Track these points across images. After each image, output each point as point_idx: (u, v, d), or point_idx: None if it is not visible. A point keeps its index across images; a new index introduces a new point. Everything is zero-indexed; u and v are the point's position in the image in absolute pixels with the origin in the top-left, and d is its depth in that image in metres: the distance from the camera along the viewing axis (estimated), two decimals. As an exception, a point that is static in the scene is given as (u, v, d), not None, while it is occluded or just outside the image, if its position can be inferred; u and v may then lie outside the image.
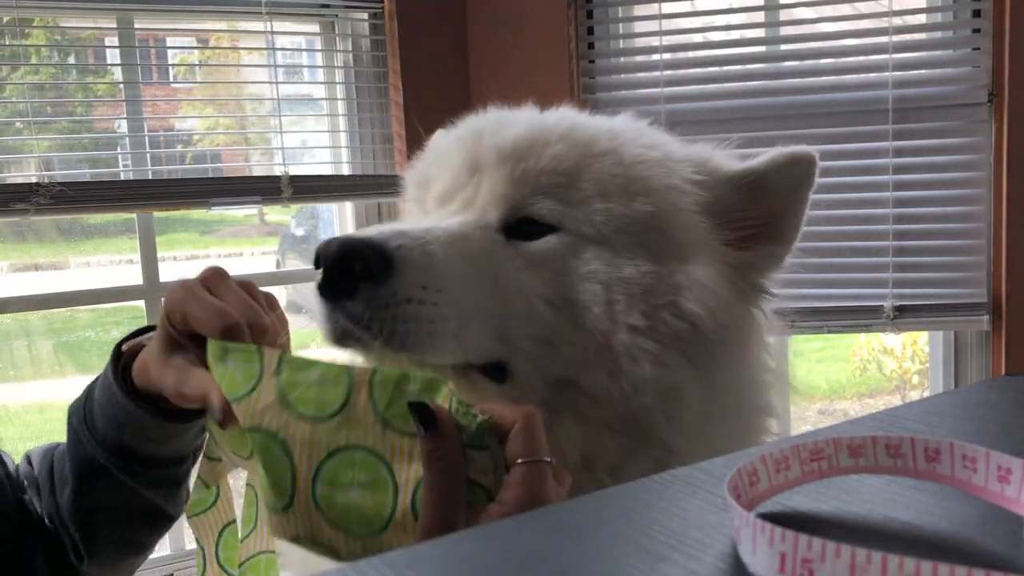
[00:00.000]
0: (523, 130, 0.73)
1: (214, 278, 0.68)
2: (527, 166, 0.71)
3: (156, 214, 2.23)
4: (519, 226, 0.70)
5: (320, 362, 0.57)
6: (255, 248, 4.00)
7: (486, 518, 0.54)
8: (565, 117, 0.77)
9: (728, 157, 0.77)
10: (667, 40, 2.32)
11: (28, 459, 0.87)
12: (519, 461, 0.55)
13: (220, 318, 0.63)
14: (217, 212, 2.55)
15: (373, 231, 0.65)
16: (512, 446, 0.56)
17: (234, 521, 0.71)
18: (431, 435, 0.55)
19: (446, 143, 0.78)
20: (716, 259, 0.71)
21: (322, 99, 2.44)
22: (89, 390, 0.80)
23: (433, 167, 0.78)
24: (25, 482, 0.84)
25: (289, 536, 0.55)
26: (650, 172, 0.71)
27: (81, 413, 0.79)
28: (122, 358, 0.75)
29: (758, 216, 0.73)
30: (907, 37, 2.23)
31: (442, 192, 0.74)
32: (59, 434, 0.83)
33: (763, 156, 0.74)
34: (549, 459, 0.56)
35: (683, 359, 0.68)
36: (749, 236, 0.73)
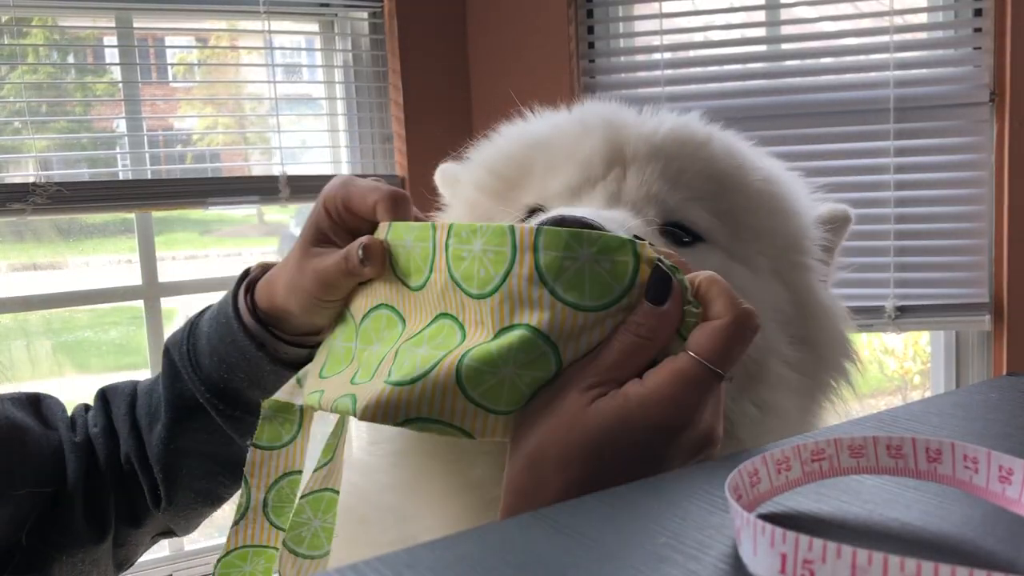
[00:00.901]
0: (671, 126, 0.66)
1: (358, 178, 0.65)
2: (682, 165, 0.64)
3: (155, 214, 2.23)
4: (664, 231, 0.63)
5: (484, 227, 0.49)
6: (254, 248, 4.00)
7: (614, 403, 0.46)
8: (691, 120, 0.69)
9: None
10: (667, 40, 2.32)
11: (103, 396, 0.82)
12: (691, 352, 0.47)
13: (383, 190, 0.59)
14: (216, 212, 2.55)
15: (608, 222, 0.53)
16: (702, 336, 0.47)
17: (298, 473, 0.65)
18: (658, 309, 0.47)
19: (562, 133, 0.67)
20: (830, 291, 0.73)
21: (321, 99, 2.44)
22: (192, 325, 0.76)
23: (539, 156, 0.67)
24: (91, 422, 0.80)
25: (402, 418, 0.48)
26: (791, 192, 0.69)
27: (183, 348, 0.74)
28: (240, 297, 0.71)
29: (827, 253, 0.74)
30: (908, 36, 2.23)
31: (568, 185, 0.64)
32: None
33: (840, 207, 0.76)
34: (728, 376, 0.48)
35: (808, 377, 0.66)
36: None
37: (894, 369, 4.01)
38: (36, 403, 0.79)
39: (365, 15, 2.40)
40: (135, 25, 2.22)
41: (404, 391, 0.49)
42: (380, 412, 0.49)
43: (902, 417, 0.51)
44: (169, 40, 2.67)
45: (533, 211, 0.65)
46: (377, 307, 0.58)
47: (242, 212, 3.50)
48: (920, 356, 3.80)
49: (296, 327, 0.68)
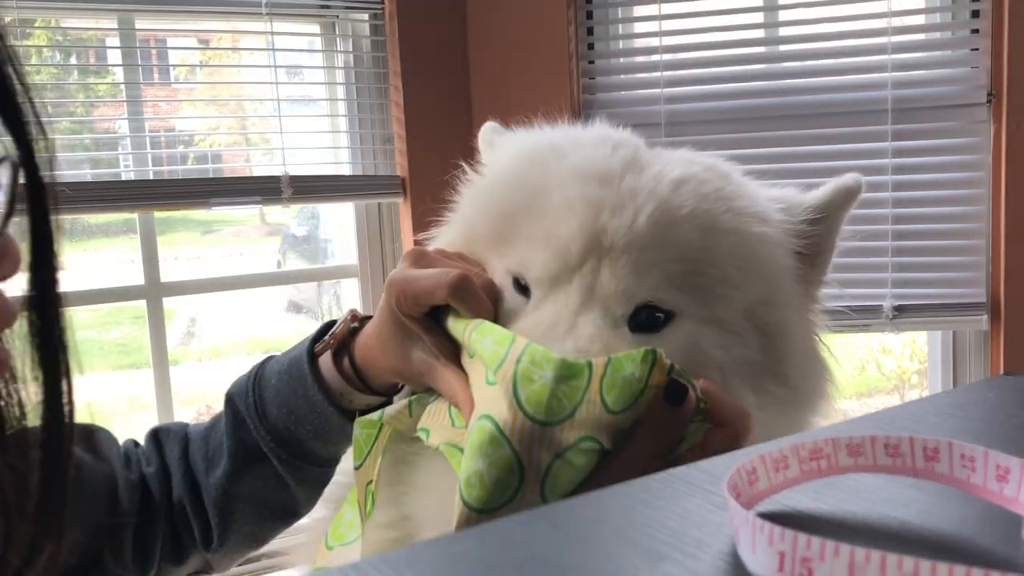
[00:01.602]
0: (649, 211, 0.67)
1: (421, 256, 0.69)
2: (656, 256, 0.66)
3: (157, 214, 2.23)
4: (636, 312, 0.67)
5: (560, 359, 0.57)
6: (255, 248, 4.00)
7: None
8: (683, 182, 0.69)
9: (797, 193, 0.77)
10: (667, 40, 2.32)
11: (155, 437, 0.85)
12: (702, 452, 0.57)
13: (447, 282, 0.63)
14: (218, 212, 2.55)
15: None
16: (711, 441, 0.58)
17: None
18: (677, 410, 0.57)
19: (549, 198, 0.69)
20: (804, 316, 0.73)
21: (322, 99, 2.44)
22: (256, 375, 0.80)
23: (524, 221, 0.70)
24: (144, 460, 0.83)
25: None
26: (769, 254, 0.70)
27: (250, 399, 0.79)
28: (318, 353, 0.76)
29: (809, 244, 0.75)
30: (906, 38, 2.24)
31: (549, 271, 0.67)
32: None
33: (826, 191, 0.76)
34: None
35: (786, 415, 0.69)
36: (804, 264, 0.75)
37: (892, 368, 4.00)
38: (90, 435, 0.81)
39: (366, 16, 2.40)
40: (137, 26, 2.22)
41: (492, 515, 0.56)
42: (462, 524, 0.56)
43: (900, 416, 0.52)
44: (171, 41, 2.67)
45: (516, 278, 0.70)
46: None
47: (244, 212, 3.50)
48: (918, 356, 3.79)
49: (383, 380, 0.74)
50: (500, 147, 0.82)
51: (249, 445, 0.79)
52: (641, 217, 0.67)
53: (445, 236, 0.80)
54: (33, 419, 0.58)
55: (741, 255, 0.68)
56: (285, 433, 0.76)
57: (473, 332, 0.63)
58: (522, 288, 0.70)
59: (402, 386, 0.76)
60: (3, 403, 0.57)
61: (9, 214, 0.54)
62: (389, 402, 0.75)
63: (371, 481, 0.69)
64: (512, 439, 0.56)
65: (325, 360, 0.76)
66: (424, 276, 0.66)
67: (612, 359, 0.57)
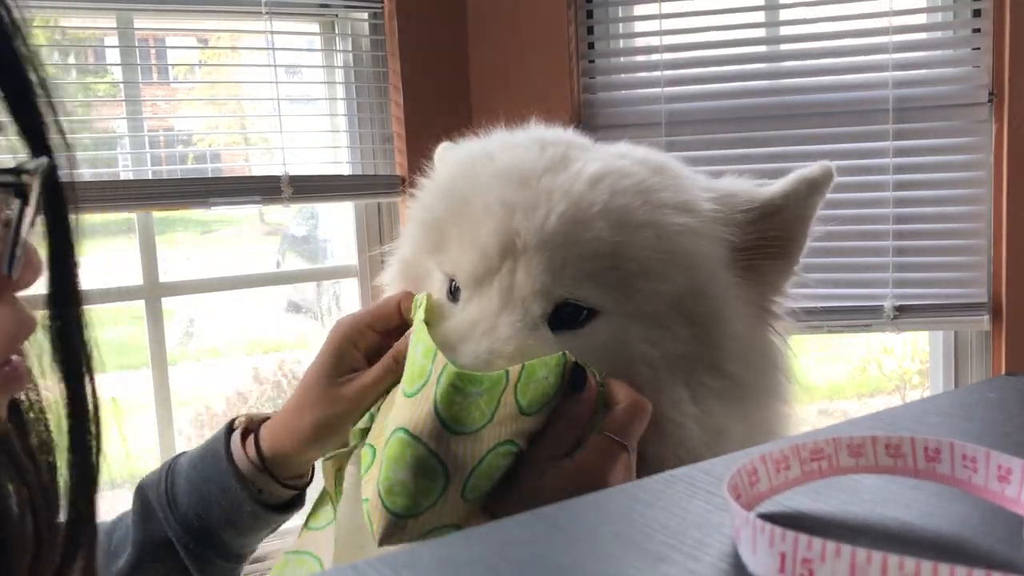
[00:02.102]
0: (560, 209, 0.68)
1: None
2: (567, 253, 0.67)
3: (156, 214, 2.23)
4: (557, 311, 0.68)
5: (487, 377, 0.60)
6: (254, 248, 4.00)
7: (557, 473, 0.61)
8: (599, 179, 0.70)
9: (751, 185, 0.75)
10: (667, 40, 2.32)
11: None
12: (604, 432, 0.62)
13: (395, 295, 0.73)
14: (217, 212, 2.55)
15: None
16: (609, 419, 0.63)
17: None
18: (579, 395, 0.62)
19: (470, 204, 0.71)
20: (744, 307, 0.71)
21: (322, 99, 2.44)
22: (169, 467, 0.81)
23: (453, 227, 0.72)
24: None
25: (412, 537, 0.60)
26: (690, 244, 0.69)
27: (162, 487, 0.79)
28: (234, 443, 0.78)
29: (774, 236, 0.73)
30: (907, 37, 2.23)
31: (473, 273, 0.70)
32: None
33: (785, 184, 0.73)
34: (632, 449, 0.62)
35: (726, 406, 0.69)
36: (765, 257, 0.73)
37: (893, 369, 4.00)
38: None
39: (365, 16, 2.40)
40: (136, 25, 2.22)
41: (418, 519, 0.60)
42: (395, 538, 0.60)
43: (901, 417, 0.52)
44: (170, 40, 2.67)
45: (451, 282, 0.73)
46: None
47: (243, 212, 3.50)
48: (919, 356, 3.79)
49: (291, 470, 0.77)
50: (443, 160, 0.84)
51: (156, 536, 0.78)
52: (552, 216, 0.67)
53: (400, 251, 0.83)
54: (56, 423, 0.58)
55: (659, 247, 0.68)
56: (195, 521, 0.77)
57: (412, 334, 0.67)
58: (454, 292, 0.73)
59: (311, 479, 0.79)
60: (28, 410, 0.56)
61: (32, 222, 0.52)
62: (302, 495, 0.80)
63: (340, 468, 0.72)
64: (435, 448, 0.59)
65: (237, 447, 0.78)
66: (368, 310, 0.73)
67: (526, 366, 0.61)
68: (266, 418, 0.79)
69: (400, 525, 0.59)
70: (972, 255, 2.18)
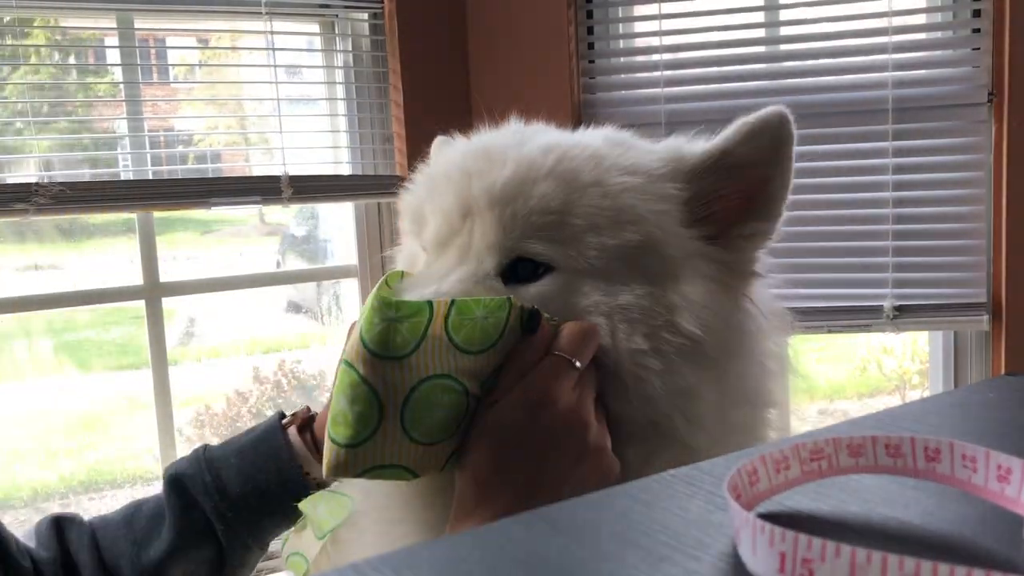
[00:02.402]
0: (510, 171, 0.72)
1: None
2: (516, 208, 0.70)
3: (156, 214, 2.23)
4: (513, 267, 0.71)
5: (407, 303, 0.62)
6: (255, 248, 4.00)
7: (505, 401, 0.63)
8: (552, 148, 0.74)
9: (698, 144, 0.76)
10: (667, 40, 2.32)
11: (56, 523, 0.87)
12: (552, 353, 0.64)
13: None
14: (217, 212, 2.55)
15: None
16: (557, 340, 0.65)
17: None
18: (531, 336, 0.65)
19: (438, 180, 0.77)
20: (705, 267, 0.71)
21: (322, 99, 2.44)
22: (206, 458, 0.86)
23: (427, 204, 0.77)
24: (40, 547, 0.85)
25: (357, 470, 0.61)
26: (635, 200, 0.71)
27: (206, 478, 0.84)
28: (287, 432, 0.85)
29: (738, 193, 0.72)
30: (907, 37, 2.23)
31: (437, 236, 0.74)
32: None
33: (726, 130, 0.73)
34: (578, 364, 0.64)
35: (691, 365, 0.69)
36: (733, 217, 0.73)
37: (893, 369, 4.01)
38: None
39: (365, 16, 2.40)
40: (136, 26, 2.22)
41: (359, 450, 0.61)
42: (341, 469, 0.61)
43: (901, 417, 0.52)
44: (170, 41, 2.67)
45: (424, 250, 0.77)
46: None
47: (243, 212, 3.50)
48: (919, 356, 3.80)
49: None
50: (437, 153, 0.88)
51: (197, 525, 0.84)
52: (502, 177, 0.72)
53: (401, 246, 0.88)
54: None
55: (604, 204, 0.70)
56: (244, 508, 0.82)
57: None
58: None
59: None
60: None
61: None
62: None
63: None
64: (364, 373, 0.60)
65: (295, 438, 0.85)
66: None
67: (456, 301, 0.63)
68: (314, 415, 0.87)
69: (344, 456, 0.61)
70: (972, 255, 2.18)
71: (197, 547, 0.84)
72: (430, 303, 0.62)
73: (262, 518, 0.84)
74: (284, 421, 0.89)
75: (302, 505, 0.79)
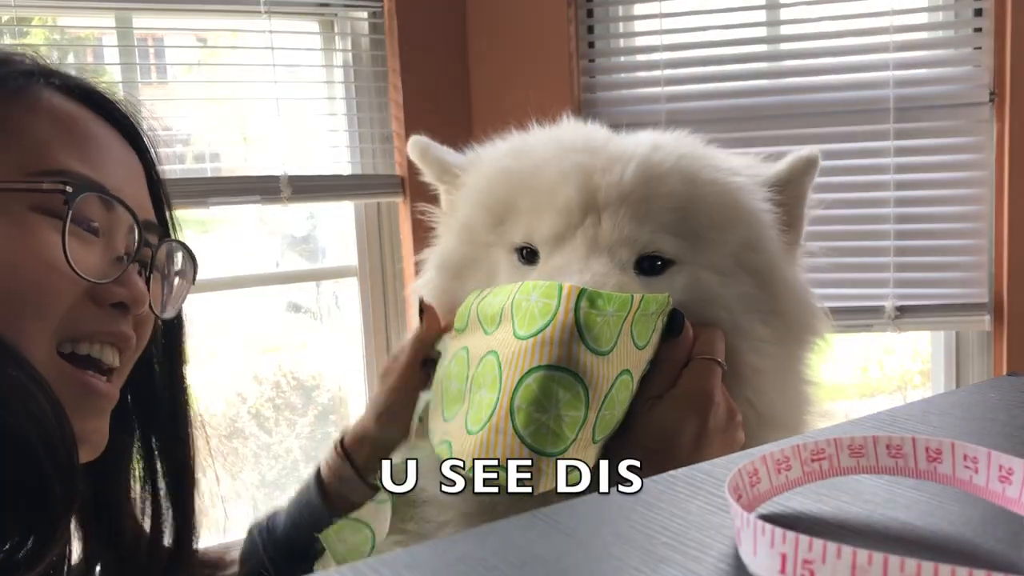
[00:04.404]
0: (635, 167, 0.75)
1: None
2: (649, 207, 0.73)
3: (155, 214, 2.22)
4: (639, 262, 0.74)
5: (617, 296, 0.63)
6: (254, 248, 4.00)
7: (666, 404, 0.67)
8: (661, 146, 0.78)
9: (760, 162, 0.83)
10: (667, 40, 2.32)
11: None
12: (699, 357, 0.69)
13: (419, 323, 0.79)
14: (215, 212, 2.55)
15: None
16: (698, 344, 0.69)
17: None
18: (676, 338, 0.69)
19: (539, 176, 0.77)
20: (790, 262, 0.80)
21: (321, 98, 2.44)
22: (269, 519, 0.90)
23: (522, 199, 0.77)
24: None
25: (554, 483, 0.59)
26: (745, 199, 0.77)
27: (263, 523, 0.89)
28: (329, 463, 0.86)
29: (782, 208, 0.80)
30: (908, 36, 2.23)
31: (554, 233, 0.75)
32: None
33: (787, 160, 0.82)
34: (722, 363, 0.69)
35: (786, 348, 0.77)
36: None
37: (894, 369, 4.00)
38: None
39: (365, 15, 2.40)
40: (135, 25, 2.22)
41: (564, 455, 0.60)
42: (552, 481, 0.59)
43: (902, 417, 0.51)
44: (169, 40, 2.66)
45: (522, 249, 0.78)
46: (486, 354, 0.66)
47: (243, 212, 3.50)
48: (920, 356, 3.79)
49: (372, 455, 0.82)
50: (480, 157, 0.89)
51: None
52: (628, 173, 0.74)
53: (444, 243, 0.87)
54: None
55: (723, 202, 0.75)
56: (286, 543, 0.84)
57: (477, 304, 0.69)
58: (527, 256, 0.77)
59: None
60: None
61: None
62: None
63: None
64: (572, 367, 0.59)
65: (330, 454, 0.85)
66: (395, 353, 0.81)
67: (644, 297, 0.64)
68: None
69: (553, 468, 0.59)
70: (973, 255, 2.18)
71: None
72: (632, 297, 0.63)
73: (302, 551, 0.83)
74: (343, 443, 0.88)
75: (323, 536, 0.78)
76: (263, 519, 0.88)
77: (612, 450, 0.66)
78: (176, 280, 0.74)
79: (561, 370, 0.58)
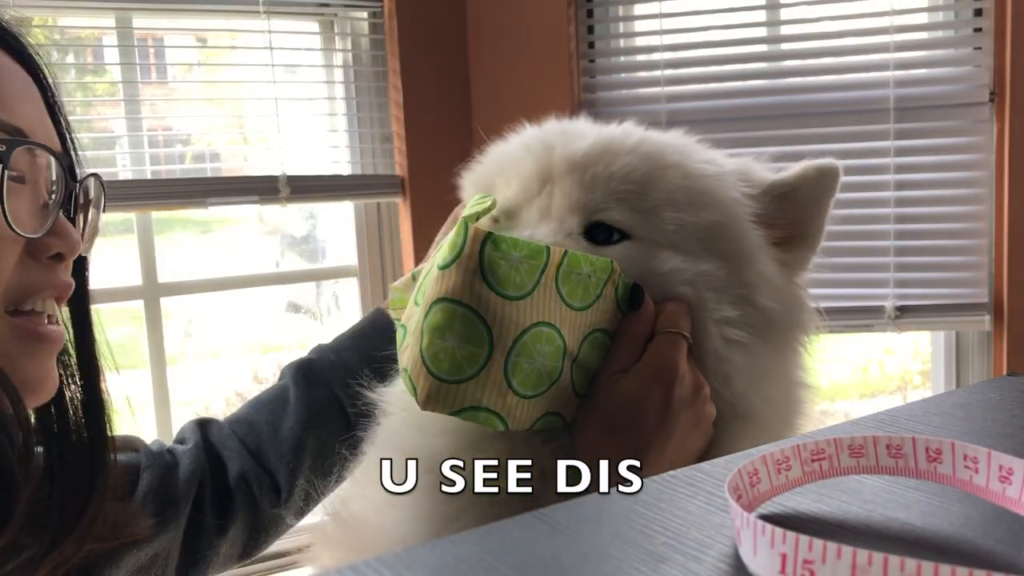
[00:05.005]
0: (592, 140, 0.75)
1: None
2: (596, 171, 0.73)
3: (154, 214, 2.23)
4: (591, 230, 0.73)
5: (526, 243, 0.63)
6: (254, 248, 4.00)
7: (629, 379, 0.66)
8: (631, 131, 0.78)
9: (765, 168, 0.81)
10: (667, 40, 2.32)
11: (201, 428, 0.95)
12: (663, 331, 0.67)
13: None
14: (215, 212, 2.55)
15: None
16: (660, 319, 0.68)
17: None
18: (637, 312, 0.68)
19: (512, 154, 0.79)
20: (773, 259, 0.76)
21: (321, 98, 2.44)
22: (320, 349, 0.98)
23: (498, 176, 0.79)
24: (186, 440, 0.94)
25: (455, 407, 0.61)
26: (713, 185, 0.75)
27: (331, 356, 0.96)
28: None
29: (787, 223, 0.78)
30: (908, 36, 2.23)
31: (512, 202, 0.75)
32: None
33: (795, 168, 0.78)
34: (687, 336, 0.68)
35: (763, 343, 0.73)
36: (780, 241, 0.78)
37: (894, 369, 4.00)
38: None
39: (365, 15, 2.40)
40: (135, 25, 2.22)
41: (462, 386, 0.61)
42: (439, 403, 0.61)
43: (902, 417, 0.51)
44: (169, 40, 2.66)
45: (496, 220, 0.77)
46: (423, 280, 0.68)
47: (242, 212, 3.50)
48: (920, 356, 3.79)
49: None
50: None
51: (323, 399, 0.93)
52: (584, 145, 0.74)
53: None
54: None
55: (685, 185, 0.74)
56: (365, 379, 0.86)
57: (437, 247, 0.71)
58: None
59: None
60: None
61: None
62: None
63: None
64: (479, 310, 0.60)
65: None
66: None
67: (568, 252, 0.64)
68: None
69: (444, 390, 0.60)
70: (973, 255, 2.18)
71: (327, 417, 0.92)
72: (548, 248, 0.63)
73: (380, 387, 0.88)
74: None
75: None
76: (321, 356, 0.95)
77: (579, 424, 0.67)
78: (91, 211, 0.72)
79: (459, 304, 0.60)
